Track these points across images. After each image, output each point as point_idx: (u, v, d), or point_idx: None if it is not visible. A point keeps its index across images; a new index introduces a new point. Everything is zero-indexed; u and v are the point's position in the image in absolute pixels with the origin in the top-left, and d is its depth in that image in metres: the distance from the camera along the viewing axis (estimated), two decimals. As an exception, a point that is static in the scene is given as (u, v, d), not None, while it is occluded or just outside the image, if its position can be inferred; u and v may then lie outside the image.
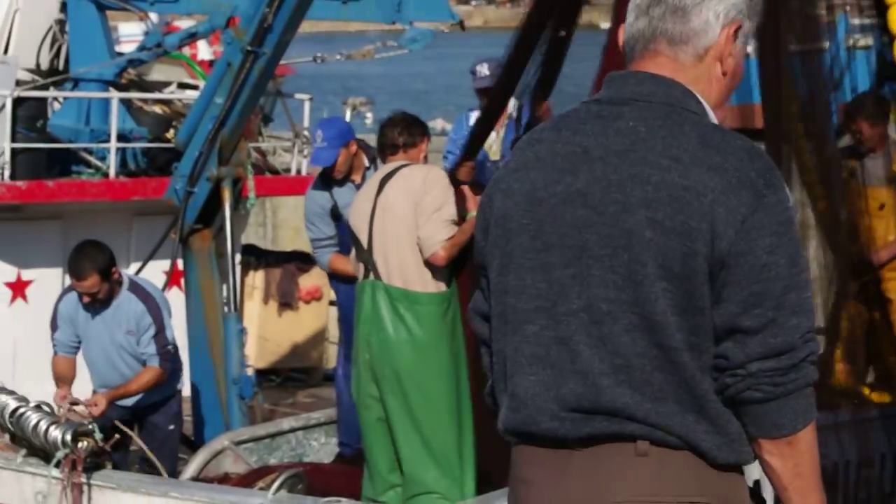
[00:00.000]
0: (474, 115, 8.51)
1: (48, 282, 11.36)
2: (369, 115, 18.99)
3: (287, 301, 13.71)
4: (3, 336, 11.19)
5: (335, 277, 7.88)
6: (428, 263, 6.25)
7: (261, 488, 6.54)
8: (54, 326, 7.92)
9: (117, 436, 7.03)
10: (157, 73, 13.80)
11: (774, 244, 2.75)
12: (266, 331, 13.65)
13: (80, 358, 8.03)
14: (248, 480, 7.03)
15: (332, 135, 7.67)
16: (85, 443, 6.75)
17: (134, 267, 11.20)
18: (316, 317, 13.92)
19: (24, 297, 11.33)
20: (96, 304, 7.72)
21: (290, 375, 13.89)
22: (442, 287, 6.29)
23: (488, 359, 3.05)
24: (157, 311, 7.66)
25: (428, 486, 6.14)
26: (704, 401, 2.77)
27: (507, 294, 2.91)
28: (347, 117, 12.60)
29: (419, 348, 6.20)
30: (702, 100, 2.90)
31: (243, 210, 8.56)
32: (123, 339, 7.72)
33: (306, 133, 12.24)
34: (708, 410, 2.78)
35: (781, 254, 2.75)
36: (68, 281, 11.30)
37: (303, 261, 13.81)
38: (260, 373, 13.62)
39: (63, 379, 7.80)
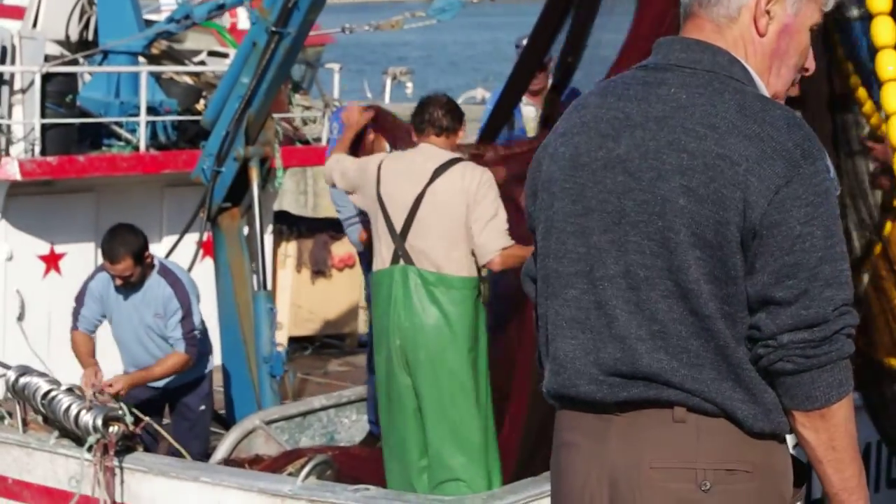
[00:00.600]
0: (526, 111, 8.49)
1: (81, 255, 11.41)
2: (409, 84, 18.91)
3: (320, 269, 13.72)
4: (38, 308, 11.25)
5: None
6: (461, 254, 6.22)
7: (290, 474, 6.56)
8: (80, 302, 7.92)
9: (147, 419, 7.06)
10: (189, 41, 13.78)
11: (810, 215, 2.73)
12: (299, 299, 13.68)
13: (104, 337, 8.07)
14: (277, 464, 7.05)
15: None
16: (116, 427, 6.78)
17: (167, 240, 11.26)
18: (349, 284, 13.92)
19: (58, 270, 11.36)
20: (128, 287, 7.73)
21: (325, 342, 13.91)
22: (473, 272, 6.28)
23: (537, 323, 3.07)
24: (184, 296, 7.67)
25: (455, 472, 6.15)
26: (740, 370, 2.78)
27: (549, 258, 2.94)
28: (388, 87, 12.58)
29: (454, 333, 6.19)
30: (748, 67, 2.89)
31: (271, 188, 8.53)
32: (152, 321, 7.74)
33: (336, 103, 12.20)
34: (744, 379, 2.78)
35: (817, 225, 2.74)
36: (101, 255, 11.48)
37: (335, 229, 13.78)
38: (294, 340, 13.73)
39: (83, 354, 7.83)
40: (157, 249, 11.58)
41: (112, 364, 8.11)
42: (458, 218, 6.24)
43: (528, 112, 8.37)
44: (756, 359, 2.78)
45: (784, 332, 2.74)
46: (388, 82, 13.62)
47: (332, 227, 13.92)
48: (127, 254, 7.59)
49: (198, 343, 7.72)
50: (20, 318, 11.12)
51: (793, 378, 2.76)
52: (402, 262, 6.28)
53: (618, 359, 2.83)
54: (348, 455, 6.99)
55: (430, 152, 6.45)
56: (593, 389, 2.85)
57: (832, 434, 2.79)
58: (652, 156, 2.81)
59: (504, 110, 7.88)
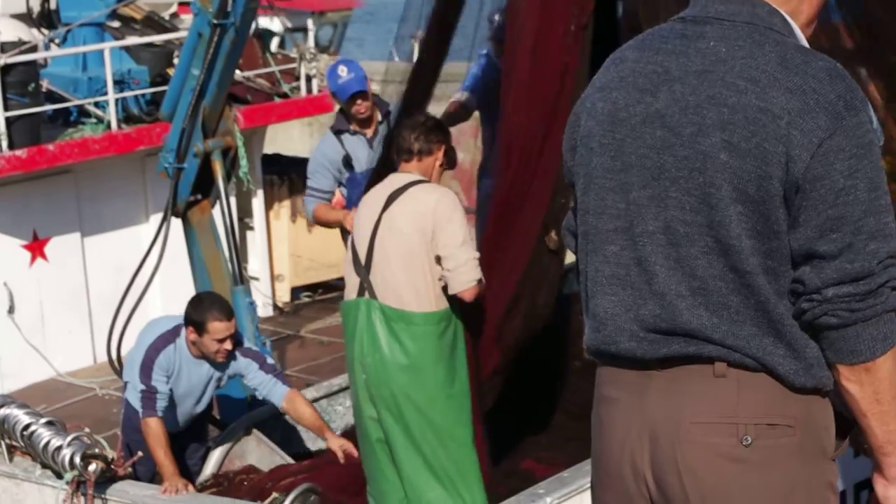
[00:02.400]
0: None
1: (65, 238, 11.22)
2: None
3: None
4: (29, 298, 11.09)
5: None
6: (423, 284, 5.92)
7: (273, 500, 6.38)
8: (149, 377, 6.95)
9: (139, 453, 6.81)
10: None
11: (853, 167, 2.69)
12: (298, 248, 13.49)
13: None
14: (264, 483, 6.89)
15: (357, 69, 7.69)
16: (95, 465, 6.60)
17: (154, 217, 11.03)
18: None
19: (45, 256, 11.17)
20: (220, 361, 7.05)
21: (331, 283, 13.73)
22: (441, 306, 5.97)
23: (578, 278, 3.06)
24: (250, 351, 7.15)
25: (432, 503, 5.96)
26: (782, 325, 2.76)
27: (589, 213, 2.92)
28: (416, 51, 12.30)
29: (416, 369, 5.92)
30: (789, 19, 2.84)
31: (235, 179, 8.23)
32: (213, 389, 7.27)
33: (311, 52, 11.86)
34: (785, 335, 2.76)
35: (861, 177, 2.69)
36: (88, 235, 11.29)
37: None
38: (297, 290, 13.55)
39: (165, 451, 6.87)
40: (145, 229, 11.40)
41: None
42: (416, 244, 5.90)
43: None
44: (799, 313, 2.75)
45: (829, 286, 2.70)
46: (416, 46, 13.24)
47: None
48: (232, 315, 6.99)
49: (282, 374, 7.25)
50: (10, 310, 10.97)
51: (837, 332, 2.73)
52: (366, 294, 6.00)
53: (657, 315, 2.81)
54: (332, 471, 6.79)
55: (394, 179, 6.12)
56: (634, 346, 2.84)
57: (877, 387, 2.76)
58: (692, 110, 2.76)
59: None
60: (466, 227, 6.06)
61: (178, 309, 7.33)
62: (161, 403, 6.94)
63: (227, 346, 6.96)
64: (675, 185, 2.77)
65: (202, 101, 7.84)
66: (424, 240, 5.90)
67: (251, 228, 13.16)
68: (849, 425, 2.89)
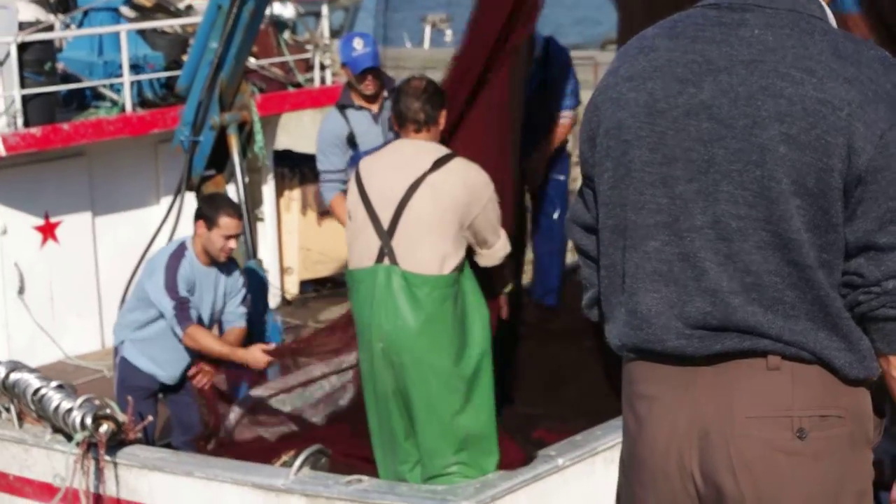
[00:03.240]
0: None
1: (77, 221, 11.24)
2: (448, 31, 18.50)
3: (326, 210, 13.44)
4: (38, 280, 11.11)
5: None
6: (450, 252, 5.98)
7: (283, 463, 6.39)
8: (176, 292, 7.30)
9: (150, 418, 6.89)
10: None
11: None
12: (308, 241, 13.49)
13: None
14: (273, 448, 6.90)
15: (373, 44, 7.70)
16: (105, 426, 6.60)
17: (164, 201, 11.04)
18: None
19: (56, 239, 11.19)
20: (221, 261, 7.41)
21: (339, 279, 13.73)
22: (453, 266, 6.00)
23: (590, 271, 3.02)
24: (245, 284, 7.61)
25: (448, 468, 5.95)
26: (838, 318, 2.75)
27: (625, 208, 2.85)
28: (427, 34, 12.31)
29: (438, 333, 5.91)
30: (823, 3, 2.82)
31: (250, 154, 8.25)
32: (220, 300, 7.53)
33: (326, 42, 11.90)
34: (841, 328, 2.76)
35: None
36: (99, 217, 11.31)
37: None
38: (306, 283, 13.56)
39: (222, 343, 7.44)
40: (157, 213, 11.41)
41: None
42: (454, 215, 5.95)
43: None
44: (854, 305, 2.75)
45: (889, 278, 2.70)
46: (428, 29, 13.29)
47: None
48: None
49: None
50: (21, 291, 10.98)
51: (894, 324, 2.73)
52: (386, 260, 5.95)
53: (707, 312, 2.77)
54: (344, 436, 6.80)
55: (421, 146, 6.11)
56: (683, 344, 2.79)
57: None
58: (744, 102, 2.72)
59: None
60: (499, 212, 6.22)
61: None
62: (194, 312, 7.28)
63: (232, 244, 7.35)
64: (727, 179, 2.73)
65: (219, 75, 7.87)
66: (463, 212, 5.98)
67: (261, 220, 13.15)
68: (882, 411, 2.91)
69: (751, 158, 2.70)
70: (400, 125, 6.16)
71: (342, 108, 7.87)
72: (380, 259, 5.95)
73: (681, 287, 2.79)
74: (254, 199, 10.47)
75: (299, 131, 15.94)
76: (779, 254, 2.72)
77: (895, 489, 2.97)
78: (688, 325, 2.79)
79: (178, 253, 7.39)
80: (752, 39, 2.74)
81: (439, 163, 6.00)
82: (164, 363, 7.50)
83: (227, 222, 7.30)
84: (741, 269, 2.74)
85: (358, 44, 7.68)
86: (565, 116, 8.25)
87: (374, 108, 7.85)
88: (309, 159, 14.26)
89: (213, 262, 7.43)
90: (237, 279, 7.63)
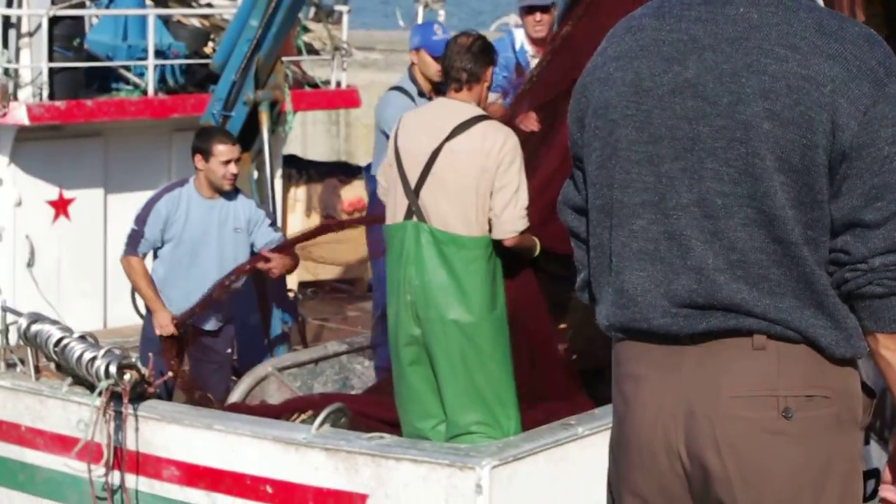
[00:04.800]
0: (519, 34, 8.30)
1: (90, 200, 11.35)
2: (441, 11, 18.63)
3: (329, 213, 13.65)
4: (48, 254, 11.19)
5: None
6: (474, 215, 6.12)
7: (303, 421, 6.51)
8: (143, 223, 7.66)
9: (170, 374, 7.01)
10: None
11: None
12: (309, 244, 13.57)
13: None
14: (289, 407, 7.01)
15: (447, 33, 7.70)
16: (129, 375, 6.71)
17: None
18: (359, 228, 13.83)
19: (67, 215, 11.29)
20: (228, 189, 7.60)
21: (335, 286, 13.86)
22: (481, 230, 6.17)
23: (581, 252, 3.01)
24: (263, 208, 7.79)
25: (469, 428, 6.11)
26: (824, 296, 2.74)
27: (612, 187, 2.85)
28: (420, 15, 12.41)
29: (463, 292, 6.08)
30: None
31: (282, 133, 8.44)
32: (233, 236, 7.68)
33: (345, 46, 12.08)
34: (827, 305, 2.74)
35: None
36: (111, 198, 11.42)
37: (345, 173, 13.75)
38: (303, 285, 13.66)
39: (147, 285, 7.65)
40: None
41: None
42: (474, 178, 6.10)
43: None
44: (840, 282, 2.74)
45: (875, 255, 2.69)
46: (420, 10, 13.40)
47: (342, 172, 13.88)
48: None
49: None
50: (30, 263, 11.06)
51: (881, 301, 2.72)
52: (414, 218, 6.16)
53: (693, 290, 2.77)
54: (363, 401, 6.94)
55: (452, 107, 6.27)
56: (668, 322, 2.79)
57: None
58: (728, 79, 2.72)
59: None
60: (523, 173, 6.24)
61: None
62: (143, 248, 7.59)
63: (233, 168, 7.50)
64: (712, 156, 2.73)
65: (257, 53, 8.04)
66: (486, 177, 6.10)
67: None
68: (870, 391, 2.91)
69: (735, 135, 2.71)
70: (444, 82, 6.33)
71: (406, 91, 7.81)
72: (408, 216, 6.16)
73: (667, 265, 2.79)
74: (261, 197, 10.58)
75: (303, 138, 16.10)
76: (764, 230, 2.72)
77: (883, 487, 2.94)
78: (674, 303, 2.79)
79: (175, 184, 7.68)
80: (738, 17, 2.75)
81: (461, 127, 6.13)
82: (179, 310, 7.66)
83: (221, 149, 7.52)
84: (726, 247, 2.74)
85: (438, 30, 7.72)
86: None
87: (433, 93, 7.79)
88: (315, 164, 14.52)
89: (220, 194, 7.61)
90: (254, 210, 7.79)
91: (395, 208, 6.26)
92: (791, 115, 2.68)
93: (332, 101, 12.46)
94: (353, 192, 13.64)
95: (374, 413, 6.64)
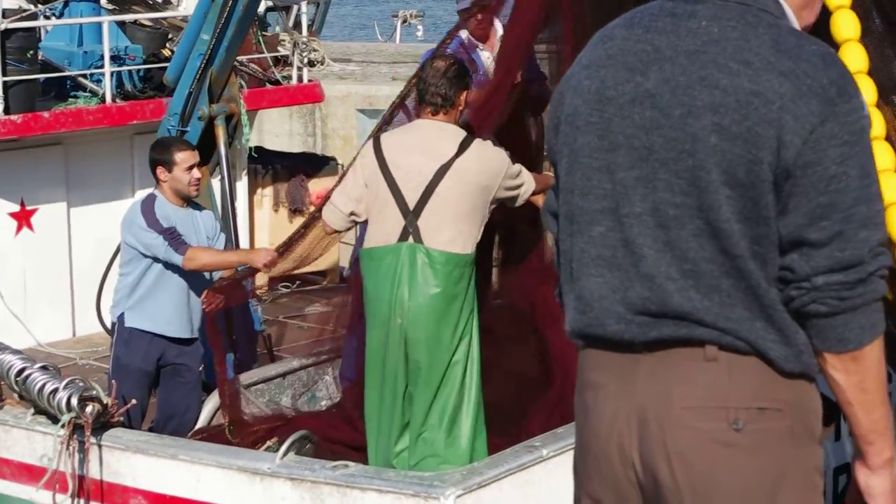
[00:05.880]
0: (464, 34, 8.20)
1: (52, 209, 11.26)
2: (420, 27, 18.56)
3: (297, 207, 13.57)
4: (12, 267, 11.11)
5: None
6: (468, 228, 6.16)
7: (269, 448, 6.47)
8: (159, 225, 7.51)
9: (133, 400, 6.96)
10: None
11: (845, 154, 2.67)
12: (278, 238, 13.32)
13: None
14: (256, 429, 6.97)
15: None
16: (91, 407, 6.66)
17: (139, 193, 11.08)
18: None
19: (31, 227, 11.20)
20: (197, 195, 7.66)
21: (307, 278, 13.79)
22: (473, 246, 6.22)
23: (559, 259, 3.02)
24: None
25: (436, 450, 6.08)
26: (772, 310, 2.73)
27: (574, 194, 2.87)
28: (398, 30, 12.34)
29: (451, 310, 6.09)
30: (782, 0, 2.82)
31: (238, 145, 8.35)
32: (206, 244, 7.73)
33: (304, 40, 11.98)
34: (776, 320, 2.74)
35: (852, 164, 2.67)
36: (74, 207, 11.33)
37: (311, 166, 13.65)
38: (274, 280, 13.60)
39: (224, 253, 7.77)
40: (131, 202, 11.41)
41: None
42: (480, 198, 6.19)
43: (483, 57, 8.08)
44: (788, 300, 2.73)
45: (819, 273, 2.69)
46: (399, 25, 13.34)
47: (308, 164, 13.78)
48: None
49: None
50: (-6, 278, 10.99)
51: (826, 320, 2.71)
52: (410, 239, 6.10)
53: (646, 298, 2.77)
54: (327, 422, 6.89)
55: (442, 128, 6.26)
56: (622, 329, 2.80)
57: (863, 376, 2.75)
58: (682, 91, 2.73)
59: None
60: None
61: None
62: (184, 239, 7.47)
63: (196, 174, 7.55)
64: (664, 167, 2.75)
65: (210, 66, 7.95)
66: (485, 194, 6.22)
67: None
68: (835, 410, 2.88)
69: (684, 147, 2.72)
70: (419, 103, 6.28)
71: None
72: (403, 237, 6.10)
73: (623, 272, 2.81)
74: (221, 212, 10.51)
75: (269, 127, 16.00)
76: (713, 242, 2.72)
77: (854, 482, 2.91)
78: (629, 310, 2.80)
79: (149, 199, 7.64)
80: (699, 30, 2.76)
81: (462, 147, 6.18)
82: (167, 318, 7.65)
83: (182, 156, 7.56)
84: (679, 257, 2.75)
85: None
86: None
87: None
88: (280, 156, 14.42)
89: (187, 202, 7.65)
90: (213, 221, 7.90)
91: (384, 229, 6.16)
92: (738, 129, 2.68)
93: (293, 98, 12.36)
94: (321, 185, 13.54)
95: (338, 436, 6.60)
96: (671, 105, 2.74)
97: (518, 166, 6.35)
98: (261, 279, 13.61)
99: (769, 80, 2.68)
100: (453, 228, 6.09)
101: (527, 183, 6.40)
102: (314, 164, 13.74)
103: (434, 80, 6.17)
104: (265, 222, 13.53)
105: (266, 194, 13.47)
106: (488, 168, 6.22)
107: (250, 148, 13.41)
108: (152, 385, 7.77)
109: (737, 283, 2.73)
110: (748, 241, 2.71)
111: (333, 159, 13.83)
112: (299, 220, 13.62)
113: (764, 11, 2.78)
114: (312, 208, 13.64)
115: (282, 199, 13.52)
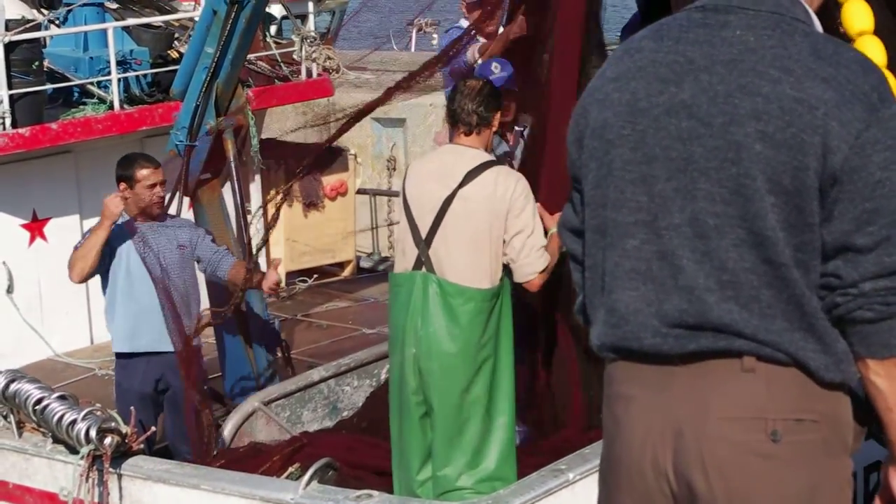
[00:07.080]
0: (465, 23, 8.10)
1: (65, 218, 11.19)
2: (436, 36, 18.40)
3: (312, 200, 13.51)
4: (28, 278, 11.05)
5: None
6: (487, 263, 5.99)
7: (290, 475, 6.39)
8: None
9: (153, 428, 6.90)
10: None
11: (889, 159, 2.68)
12: (294, 233, 13.45)
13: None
14: (281, 455, 6.89)
15: (509, 68, 7.14)
16: (110, 439, 6.59)
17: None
18: (342, 211, 13.73)
19: (44, 237, 11.14)
20: (160, 213, 7.62)
21: (325, 269, 13.71)
22: (496, 282, 6.03)
23: (579, 275, 3.01)
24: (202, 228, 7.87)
25: (458, 482, 5.98)
26: (814, 319, 2.73)
27: (606, 207, 2.85)
28: (414, 38, 12.26)
29: (468, 345, 5.95)
30: (808, 8, 2.85)
31: (246, 157, 8.24)
32: (179, 254, 7.63)
33: (312, 35, 11.85)
34: (817, 329, 2.74)
35: None
36: (87, 215, 11.24)
37: (324, 158, 13.53)
38: (291, 275, 13.52)
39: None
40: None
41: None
42: (488, 226, 5.98)
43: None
44: (831, 307, 2.73)
45: (866, 279, 2.69)
46: (414, 33, 13.24)
47: (321, 157, 13.67)
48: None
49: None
50: (9, 290, 10.92)
51: (871, 326, 2.72)
52: (423, 268, 6.01)
53: (683, 310, 2.76)
54: (350, 445, 6.81)
55: (461, 153, 6.11)
56: (659, 342, 2.79)
57: None
58: (722, 100, 2.73)
59: None
60: (537, 215, 6.11)
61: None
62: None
63: (159, 191, 7.57)
64: (705, 177, 2.73)
65: (216, 80, 7.84)
66: (497, 223, 5.98)
67: (249, 212, 13.11)
68: (867, 419, 2.87)
69: (727, 156, 2.71)
70: (452, 125, 6.16)
71: None
72: (417, 266, 6.03)
73: (658, 285, 2.79)
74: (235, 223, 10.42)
75: (282, 123, 15.89)
76: (754, 251, 2.71)
77: (885, 486, 2.91)
78: (665, 323, 2.78)
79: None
80: (734, 40, 2.76)
81: (472, 174, 6.00)
82: (135, 331, 7.64)
83: (144, 173, 7.56)
84: (718, 267, 2.73)
85: (496, 68, 7.21)
86: None
87: (510, 137, 7.28)
88: (293, 149, 14.30)
89: (153, 217, 7.61)
90: (193, 228, 7.85)
91: (405, 257, 6.10)
92: (783, 136, 2.67)
93: (304, 94, 12.24)
94: (335, 176, 13.48)
95: (361, 461, 6.52)
96: (711, 114, 2.73)
97: (530, 208, 6.06)
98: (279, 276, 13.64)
99: (812, 87, 2.68)
100: (464, 259, 5.96)
101: (535, 235, 6.03)
102: (327, 156, 13.61)
103: (469, 100, 6.05)
104: (280, 218, 13.39)
105: (280, 189, 13.36)
106: (495, 193, 6.00)
107: (262, 139, 13.34)
108: (156, 405, 7.69)
109: (777, 293, 2.71)
110: (792, 249, 2.70)
111: (346, 150, 13.71)
112: (314, 213, 13.66)
113: (796, 20, 2.78)
114: (328, 201, 13.65)
115: (296, 193, 13.42)
